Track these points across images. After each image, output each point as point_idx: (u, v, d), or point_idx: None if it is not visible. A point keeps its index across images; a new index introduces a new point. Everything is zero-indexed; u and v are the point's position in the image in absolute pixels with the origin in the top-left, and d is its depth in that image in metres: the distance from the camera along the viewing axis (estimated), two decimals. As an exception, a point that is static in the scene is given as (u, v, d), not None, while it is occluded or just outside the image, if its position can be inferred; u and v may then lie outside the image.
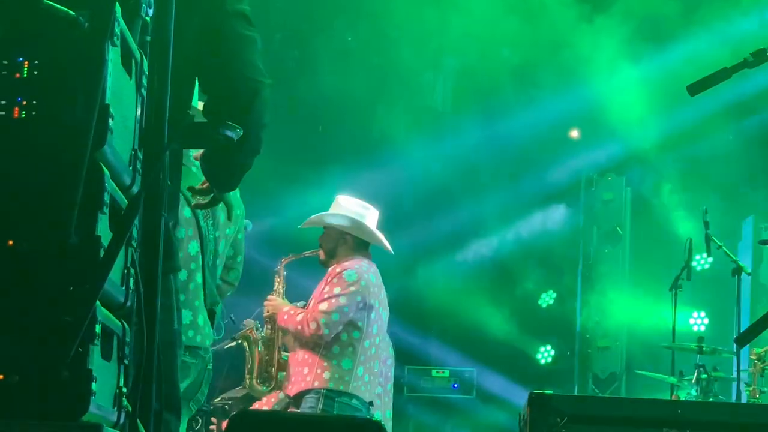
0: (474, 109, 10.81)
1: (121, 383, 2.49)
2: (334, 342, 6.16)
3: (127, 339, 2.52)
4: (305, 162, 10.46)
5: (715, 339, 9.02)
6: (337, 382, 6.14)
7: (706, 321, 10.66)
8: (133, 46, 2.54)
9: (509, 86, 10.39)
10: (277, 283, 6.55)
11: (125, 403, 2.49)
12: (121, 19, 2.37)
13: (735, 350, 8.16)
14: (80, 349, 2.19)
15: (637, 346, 11.04)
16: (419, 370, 10.57)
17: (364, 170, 9.22)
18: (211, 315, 5.11)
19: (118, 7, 2.33)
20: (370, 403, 6.28)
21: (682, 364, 8.78)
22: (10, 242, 2.21)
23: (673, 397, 8.48)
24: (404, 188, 10.00)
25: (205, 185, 3.55)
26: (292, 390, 6.18)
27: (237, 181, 3.48)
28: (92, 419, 2.25)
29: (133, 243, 2.54)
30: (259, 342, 6.41)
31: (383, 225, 6.56)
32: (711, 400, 7.99)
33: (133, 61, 2.54)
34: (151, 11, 2.64)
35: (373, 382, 6.36)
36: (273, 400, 6.35)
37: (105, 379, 2.36)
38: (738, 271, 8.41)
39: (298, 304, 6.42)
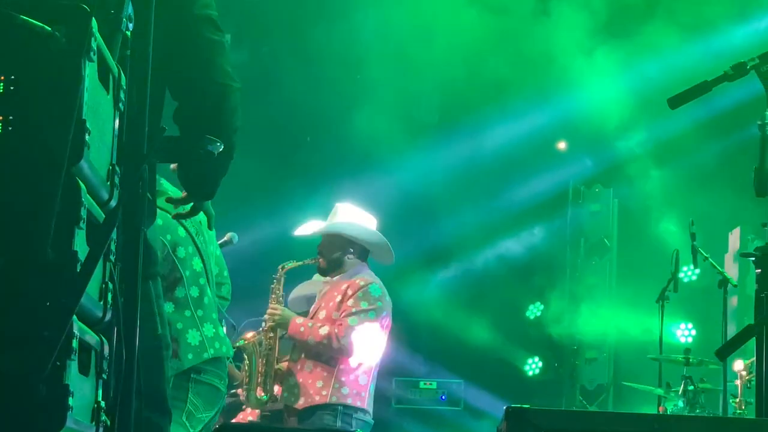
0: (461, 122, 10.81)
1: (99, 398, 2.48)
2: (355, 357, 6.07)
3: (105, 354, 2.52)
4: (294, 174, 10.48)
5: (702, 350, 9.01)
6: (354, 398, 6.05)
7: (693, 333, 10.66)
8: (111, 61, 2.54)
9: (494, 99, 10.38)
10: (277, 291, 6.31)
11: (103, 417, 2.49)
12: (98, 34, 2.37)
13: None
14: (57, 364, 2.19)
15: (625, 357, 11.05)
16: (407, 381, 10.54)
17: (348, 183, 9.20)
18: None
19: (94, 23, 2.33)
20: None
21: (669, 376, 8.80)
22: (-14, 257, 2.20)
23: (660, 409, 8.49)
24: (391, 200, 9.98)
25: (184, 195, 3.55)
26: (301, 403, 6.01)
27: (214, 188, 3.48)
28: (69, 434, 2.25)
29: (111, 257, 2.54)
30: (260, 352, 6.19)
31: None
32: (698, 411, 7.99)
33: (111, 75, 2.54)
34: (131, 25, 2.64)
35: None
36: (258, 412, 6.27)
37: (82, 394, 2.35)
38: (724, 282, 8.41)
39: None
